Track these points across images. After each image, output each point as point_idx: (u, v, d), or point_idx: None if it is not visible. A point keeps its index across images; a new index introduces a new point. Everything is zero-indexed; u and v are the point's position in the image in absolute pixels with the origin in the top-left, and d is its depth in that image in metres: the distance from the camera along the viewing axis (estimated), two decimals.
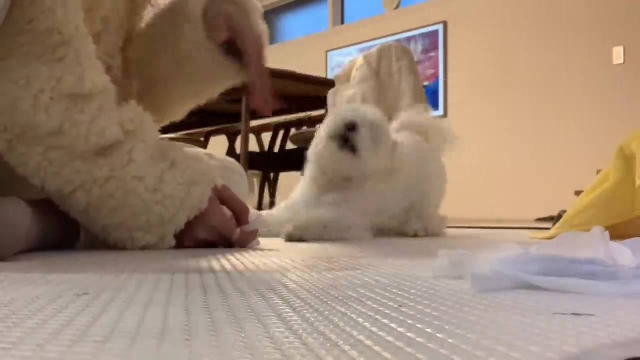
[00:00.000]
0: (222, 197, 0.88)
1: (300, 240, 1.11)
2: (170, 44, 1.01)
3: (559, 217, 1.39)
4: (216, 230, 0.87)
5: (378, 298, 0.38)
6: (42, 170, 0.77)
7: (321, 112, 3.08)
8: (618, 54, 4.12)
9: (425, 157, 1.43)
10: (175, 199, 0.81)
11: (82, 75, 0.78)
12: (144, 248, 0.82)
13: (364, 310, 0.33)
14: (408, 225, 1.38)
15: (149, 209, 0.80)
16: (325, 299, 0.37)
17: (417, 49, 5.09)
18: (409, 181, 1.35)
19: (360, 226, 1.22)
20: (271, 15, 6.43)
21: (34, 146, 0.76)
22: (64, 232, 0.84)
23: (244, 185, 1.19)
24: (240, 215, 0.90)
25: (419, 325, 0.29)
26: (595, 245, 0.46)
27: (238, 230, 0.88)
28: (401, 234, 1.43)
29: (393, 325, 0.29)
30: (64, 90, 0.76)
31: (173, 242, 0.83)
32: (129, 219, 0.80)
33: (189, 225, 0.83)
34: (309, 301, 0.37)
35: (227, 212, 0.89)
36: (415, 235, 1.36)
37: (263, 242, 1.00)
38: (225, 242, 0.88)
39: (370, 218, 1.26)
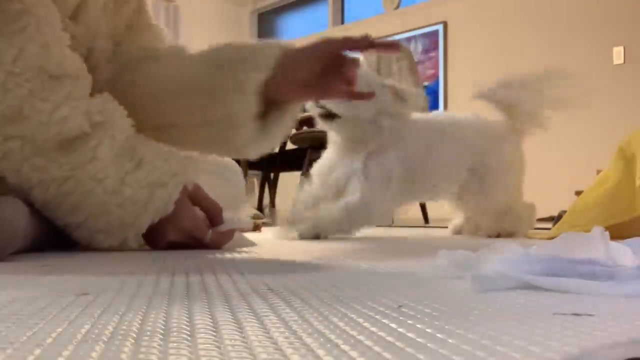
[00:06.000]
0: (194, 197, 0.86)
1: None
2: (205, 100, 0.89)
3: (559, 217, 1.39)
4: (187, 231, 0.84)
5: (378, 298, 0.38)
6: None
7: None
8: (618, 54, 4.11)
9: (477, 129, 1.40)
10: (137, 202, 0.78)
11: (46, 44, 0.74)
12: (107, 249, 0.80)
13: (364, 310, 0.33)
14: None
15: (108, 211, 0.77)
16: (325, 299, 0.37)
17: (417, 49, 5.09)
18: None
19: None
20: (271, 15, 6.42)
21: None
22: (63, 233, 0.84)
23: (240, 185, 1.17)
24: (212, 216, 0.87)
25: (419, 325, 0.29)
26: (595, 245, 0.46)
27: (210, 232, 0.86)
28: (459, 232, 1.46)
29: (393, 325, 0.29)
30: (30, 61, 0.73)
31: (137, 245, 0.81)
32: (88, 219, 0.78)
33: (159, 226, 0.81)
34: (309, 301, 0.37)
35: (199, 213, 0.86)
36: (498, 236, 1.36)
37: (262, 241, 1.00)
38: (198, 244, 0.86)
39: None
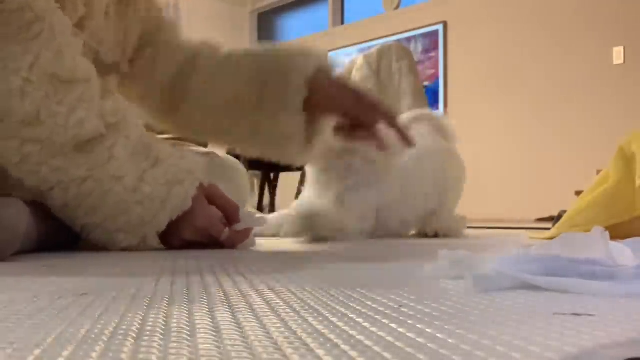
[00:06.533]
0: (210, 195, 0.86)
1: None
2: (253, 116, 1.04)
3: (559, 217, 1.39)
4: (202, 230, 0.84)
5: (378, 298, 0.38)
6: (17, 167, 0.75)
7: None
8: (618, 54, 4.12)
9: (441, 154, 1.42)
10: (156, 199, 0.79)
11: (59, 50, 0.75)
12: (125, 249, 0.80)
13: (364, 310, 0.33)
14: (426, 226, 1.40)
15: (128, 209, 0.78)
16: (325, 299, 0.37)
17: (417, 49, 5.09)
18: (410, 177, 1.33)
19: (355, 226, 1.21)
20: (271, 15, 6.43)
21: (9, 140, 0.73)
22: (64, 233, 0.84)
23: (244, 183, 1.17)
24: (229, 215, 0.87)
25: (419, 325, 0.29)
26: (595, 245, 0.46)
27: (227, 230, 0.86)
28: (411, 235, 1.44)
29: (393, 325, 0.29)
30: (44, 68, 0.73)
31: (156, 243, 0.81)
32: (108, 219, 0.78)
33: (175, 225, 0.81)
34: (309, 301, 0.37)
35: (216, 212, 0.86)
36: (435, 236, 1.37)
37: (260, 241, 1.00)
38: (214, 243, 0.86)
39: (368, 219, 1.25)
